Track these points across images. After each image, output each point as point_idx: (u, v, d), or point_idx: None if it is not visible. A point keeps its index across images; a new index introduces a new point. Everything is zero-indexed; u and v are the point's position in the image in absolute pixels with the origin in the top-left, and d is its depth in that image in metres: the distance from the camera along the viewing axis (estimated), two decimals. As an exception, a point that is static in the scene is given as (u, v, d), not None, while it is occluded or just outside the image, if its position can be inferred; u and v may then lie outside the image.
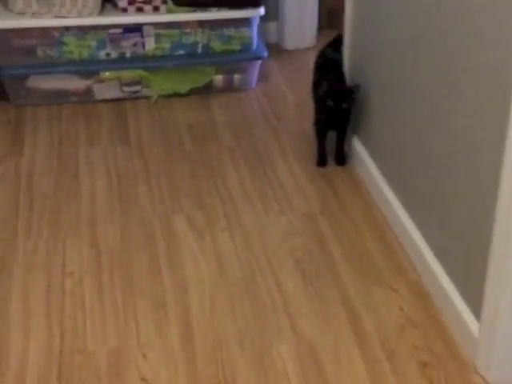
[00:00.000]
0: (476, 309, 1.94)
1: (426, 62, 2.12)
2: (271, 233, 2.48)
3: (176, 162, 2.86)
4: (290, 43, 3.68)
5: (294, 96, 3.31)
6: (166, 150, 2.93)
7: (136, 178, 2.77)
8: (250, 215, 2.57)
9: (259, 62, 3.29)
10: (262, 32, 3.38)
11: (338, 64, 2.80)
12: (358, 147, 2.74)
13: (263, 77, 3.43)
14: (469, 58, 1.86)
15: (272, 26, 3.70)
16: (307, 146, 2.92)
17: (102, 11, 3.14)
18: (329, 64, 2.81)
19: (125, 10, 3.13)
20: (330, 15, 3.75)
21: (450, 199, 2.06)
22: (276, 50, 3.63)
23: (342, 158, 2.81)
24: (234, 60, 3.25)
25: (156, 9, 3.15)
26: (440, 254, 2.15)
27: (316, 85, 2.82)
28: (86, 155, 2.91)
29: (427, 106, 2.15)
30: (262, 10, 3.18)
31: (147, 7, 3.14)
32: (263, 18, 3.30)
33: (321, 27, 3.73)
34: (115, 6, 3.15)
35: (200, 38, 3.21)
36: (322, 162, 2.81)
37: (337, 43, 2.84)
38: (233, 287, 2.25)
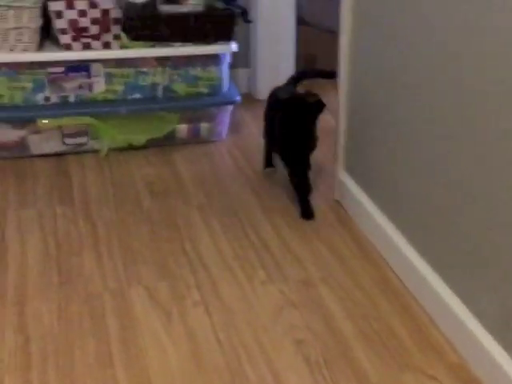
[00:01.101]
0: None
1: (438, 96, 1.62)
2: (259, 306, 1.89)
3: (132, 223, 2.27)
4: (263, 92, 3.17)
5: (271, 149, 2.78)
6: (120, 210, 2.34)
7: (81, 243, 2.17)
8: (229, 285, 1.97)
9: (231, 108, 2.76)
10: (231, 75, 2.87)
11: None
12: (358, 195, 2.21)
13: (234, 128, 2.90)
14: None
15: (242, 72, 3.21)
16: (293, 200, 2.39)
17: (40, 49, 2.59)
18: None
19: (68, 48, 2.59)
20: (308, 61, 3.28)
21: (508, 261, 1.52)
22: (247, 99, 3.12)
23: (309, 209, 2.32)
24: (200, 105, 2.70)
25: (107, 46, 2.61)
26: (499, 331, 1.58)
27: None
28: (16, 218, 2.30)
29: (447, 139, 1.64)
30: (234, 46, 2.66)
31: (96, 43, 2.61)
32: (232, 64, 2.81)
33: (297, 75, 3.26)
34: (57, 43, 2.62)
35: (160, 78, 2.66)
36: (309, 213, 2.32)
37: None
38: (214, 381, 1.64)
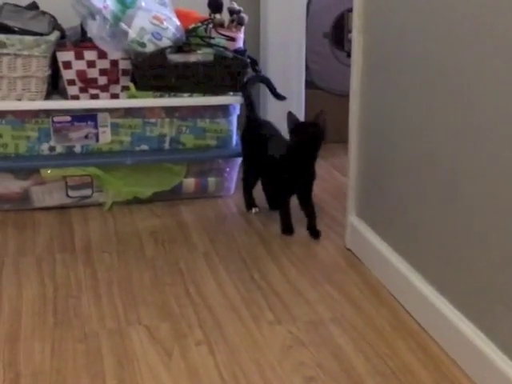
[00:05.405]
0: None
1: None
2: (266, 346, 1.76)
3: (134, 269, 2.17)
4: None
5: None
6: (122, 257, 2.25)
7: (79, 287, 2.06)
8: (234, 325, 1.86)
9: (239, 162, 2.70)
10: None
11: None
12: (370, 238, 2.10)
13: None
14: None
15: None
16: (304, 249, 2.30)
17: (47, 98, 2.56)
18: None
19: (76, 99, 2.57)
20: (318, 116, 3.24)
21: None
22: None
23: (315, 230, 2.42)
24: (208, 157, 2.65)
25: (115, 97, 2.59)
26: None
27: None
28: (14, 264, 2.21)
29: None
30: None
31: (104, 95, 2.59)
32: (239, 127, 2.78)
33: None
34: (64, 95, 2.60)
35: (168, 129, 2.62)
36: (289, 228, 2.44)
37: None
38: (215, 418, 1.51)
